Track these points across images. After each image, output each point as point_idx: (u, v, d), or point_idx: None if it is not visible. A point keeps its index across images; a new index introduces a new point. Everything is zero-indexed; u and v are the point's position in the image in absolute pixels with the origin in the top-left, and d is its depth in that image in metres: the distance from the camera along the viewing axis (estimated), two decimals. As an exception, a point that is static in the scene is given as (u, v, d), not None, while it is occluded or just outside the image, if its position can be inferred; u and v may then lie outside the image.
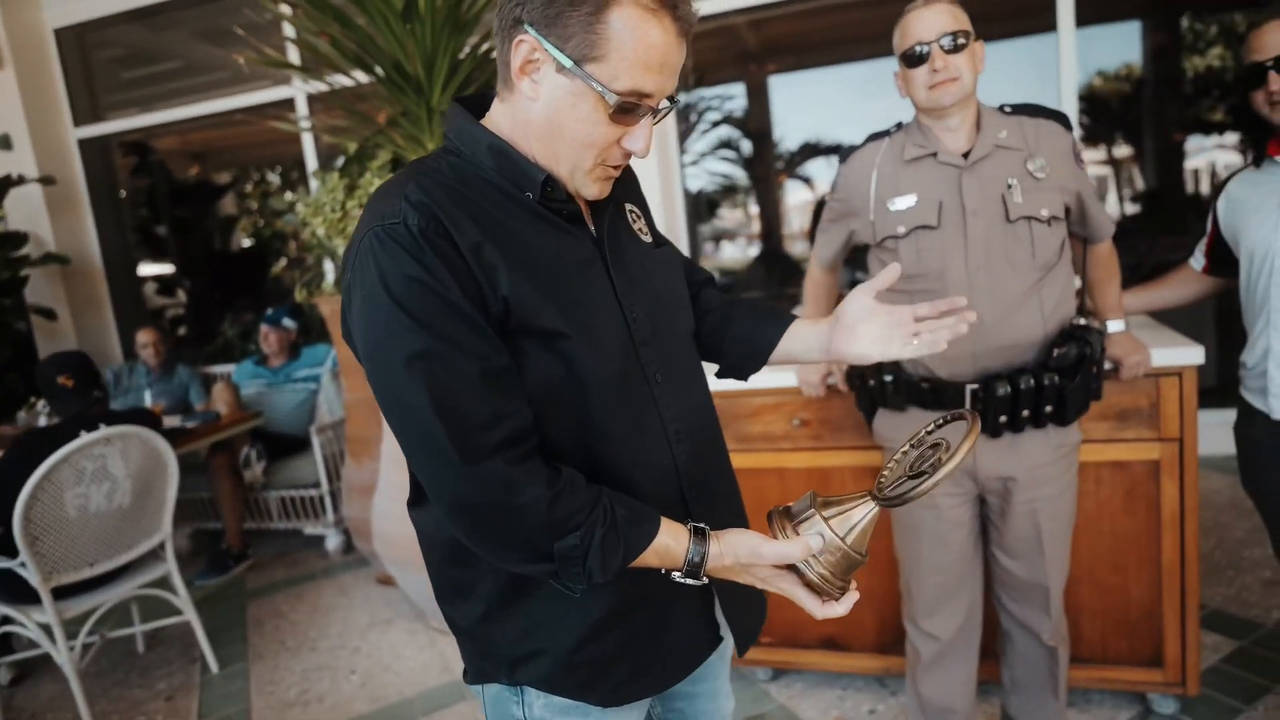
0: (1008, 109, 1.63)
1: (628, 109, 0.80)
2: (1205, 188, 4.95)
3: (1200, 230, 1.89)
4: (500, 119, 0.88)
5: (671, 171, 3.94)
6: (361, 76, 2.62)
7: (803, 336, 1.09)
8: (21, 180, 4.29)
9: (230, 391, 3.63)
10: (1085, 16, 3.95)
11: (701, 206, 5.07)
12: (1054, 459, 1.63)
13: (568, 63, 0.78)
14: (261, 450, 3.64)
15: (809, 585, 0.85)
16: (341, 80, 2.79)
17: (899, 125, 1.69)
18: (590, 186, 0.87)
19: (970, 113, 1.59)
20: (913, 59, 1.54)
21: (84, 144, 4.86)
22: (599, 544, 0.80)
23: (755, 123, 6.00)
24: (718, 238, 6.56)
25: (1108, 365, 1.84)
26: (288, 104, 4.33)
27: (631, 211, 1.02)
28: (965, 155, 1.57)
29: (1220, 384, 3.85)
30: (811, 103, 5.85)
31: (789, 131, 5.95)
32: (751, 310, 1.13)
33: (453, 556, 0.94)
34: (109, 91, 4.94)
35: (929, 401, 1.65)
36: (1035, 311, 1.57)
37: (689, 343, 1.05)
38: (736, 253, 6.46)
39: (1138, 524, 1.96)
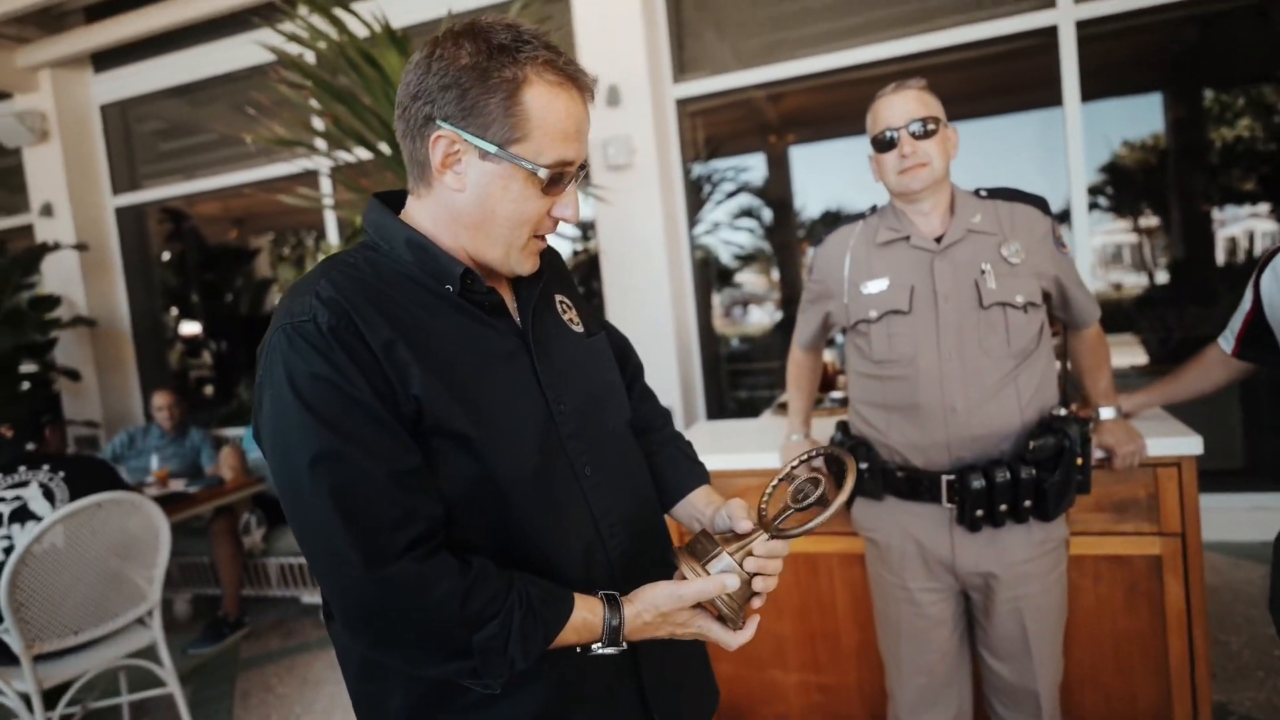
0: (983, 193, 1.61)
1: (556, 179, 0.84)
2: (1241, 257, 4.85)
3: (1231, 303, 1.73)
4: (419, 215, 0.88)
5: (679, 241, 3.97)
6: (364, 153, 2.70)
7: (696, 505, 1.07)
8: (58, 247, 4.48)
9: (236, 456, 3.67)
10: (1102, 90, 3.96)
11: (712, 275, 5.08)
12: (1037, 555, 1.55)
13: (492, 149, 0.81)
14: (262, 516, 3.64)
15: (720, 619, 0.87)
16: (357, 154, 2.89)
17: (873, 209, 1.68)
18: (525, 263, 0.89)
19: (943, 197, 1.57)
20: (882, 144, 1.54)
21: (121, 211, 5.08)
22: (518, 629, 0.79)
23: (775, 191, 6.06)
24: (745, 303, 6.59)
25: (1100, 454, 1.76)
26: (312, 176, 4.49)
27: (562, 302, 1.02)
28: (938, 240, 1.55)
29: (1249, 465, 3.69)
30: (832, 172, 5.90)
31: (810, 200, 6.00)
32: (673, 455, 1.11)
33: (363, 672, 0.91)
34: (147, 162, 5.18)
35: (905, 491, 1.60)
36: (1011, 400, 1.51)
37: (623, 432, 1.03)
38: (764, 317, 6.48)
39: (1141, 623, 1.85)
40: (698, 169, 4.62)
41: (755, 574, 0.87)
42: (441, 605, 0.76)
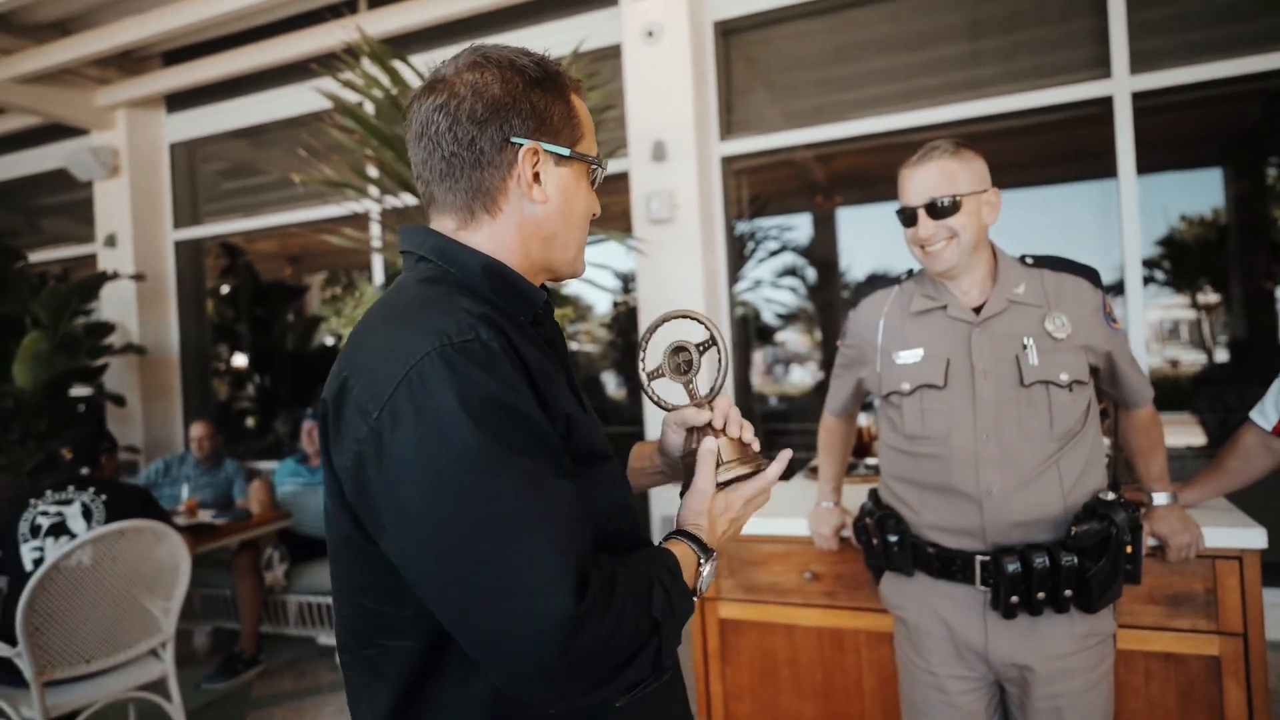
0: (1029, 260, 1.53)
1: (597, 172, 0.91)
2: (1303, 339, 4.64)
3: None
4: (479, 244, 0.84)
5: (719, 296, 3.94)
6: (409, 198, 2.74)
7: (644, 458, 1.06)
8: (116, 276, 4.64)
9: (265, 490, 3.68)
10: (1160, 162, 3.87)
11: (751, 332, 5.04)
12: (1078, 649, 1.42)
13: (567, 152, 0.85)
14: (285, 552, 3.63)
15: (746, 476, 0.91)
16: (403, 198, 2.94)
17: (909, 273, 1.62)
18: (583, 260, 0.92)
19: (981, 267, 1.49)
20: (903, 219, 1.49)
21: (179, 245, 5.26)
22: (677, 598, 0.76)
23: (821, 251, 6.03)
24: (786, 362, 6.52)
25: (1152, 542, 1.65)
26: (363, 219, 4.61)
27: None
28: (977, 310, 1.48)
29: (1320, 560, 3.45)
30: (879, 234, 5.86)
31: (855, 261, 5.96)
32: None
33: None
34: (210, 200, 5.38)
35: (935, 570, 1.50)
36: (1053, 486, 1.41)
37: None
38: (806, 377, 6.39)
39: (1198, 731, 1.70)
40: (742, 226, 4.63)
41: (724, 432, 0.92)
42: (625, 612, 0.69)
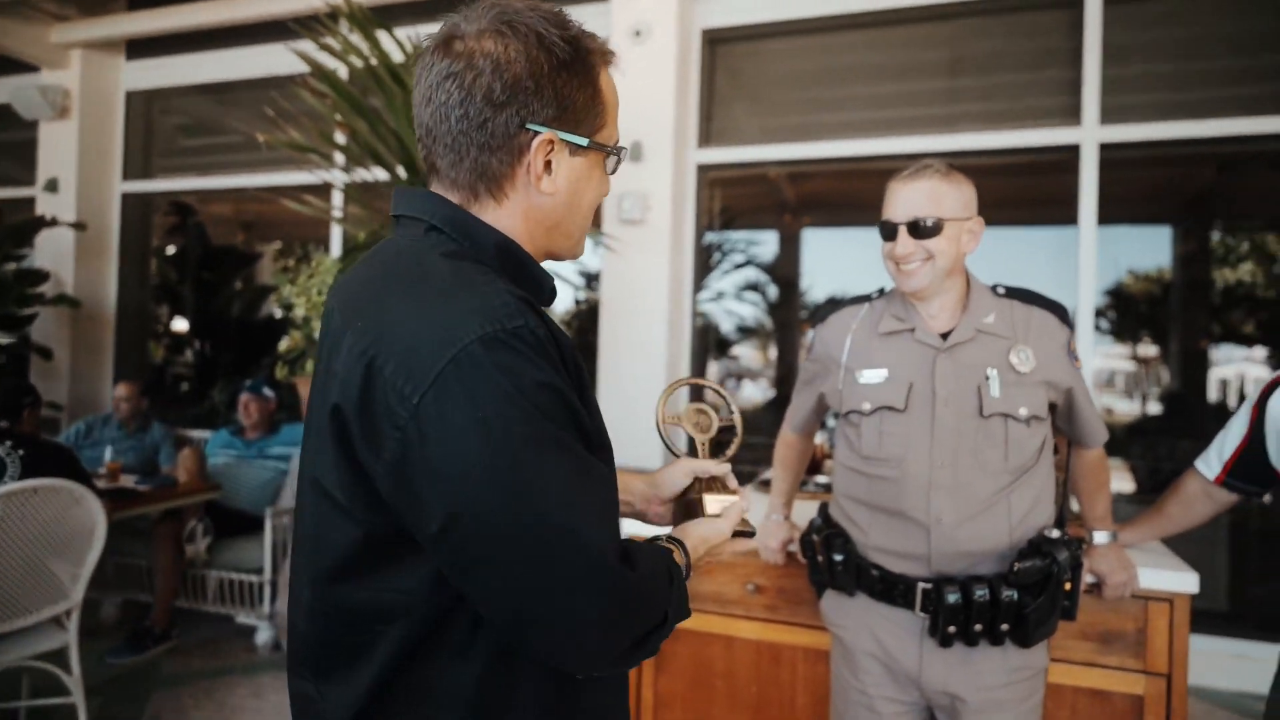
0: (1001, 290, 1.53)
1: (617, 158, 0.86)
2: (1232, 399, 4.84)
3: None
4: (491, 223, 0.81)
5: (683, 303, 3.93)
6: (380, 173, 2.66)
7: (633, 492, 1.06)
8: (55, 223, 4.41)
9: (194, 459, 3.53)
10: (1117, 215, 3.99)
11: (710, 342, 5.04)
12: (1010, 682, 1.43)
13: (584, 142, 0.80)
14: (210, 525, 3.48)
15: (739, 534, 0.98)
16: (374, 173, 2.85)
17: (880, 291, 1.61)
18: (584, 244, 0.90)
19: (954, 293, 1.49)
20: (884, 232, 1.48)
21: (127, 197, 5.03)
22: (679, 584, 0.82)
23: (784, 270, 6.08)
24: (739, 376, 6.54)
25: (1090, 579, 1.67)
26: (326, 191, 4.47)
27: None
28: (945, 336, 1.47)
29: (1234, 610, 3.58)
30: (843, 259, 5.94)
31: (817, 282, 6.02)
32: None
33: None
34: (165, 155, 5.17)
35: (877, 592, 1.49)
36: (1002, 518, 1.41)
37: None
38: (756, 393, 6.41)
39: (1118, 768, 1.72)
40: (710, 236, 4.63)
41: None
42: (655, 590, 0.76)
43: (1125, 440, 4.97)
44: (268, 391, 3.82)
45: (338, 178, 3.16)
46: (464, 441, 0.65)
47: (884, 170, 3.79)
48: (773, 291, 6.30)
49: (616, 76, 0.87)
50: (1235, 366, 5.03)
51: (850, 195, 5.40)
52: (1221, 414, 4.35)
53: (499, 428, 0.65)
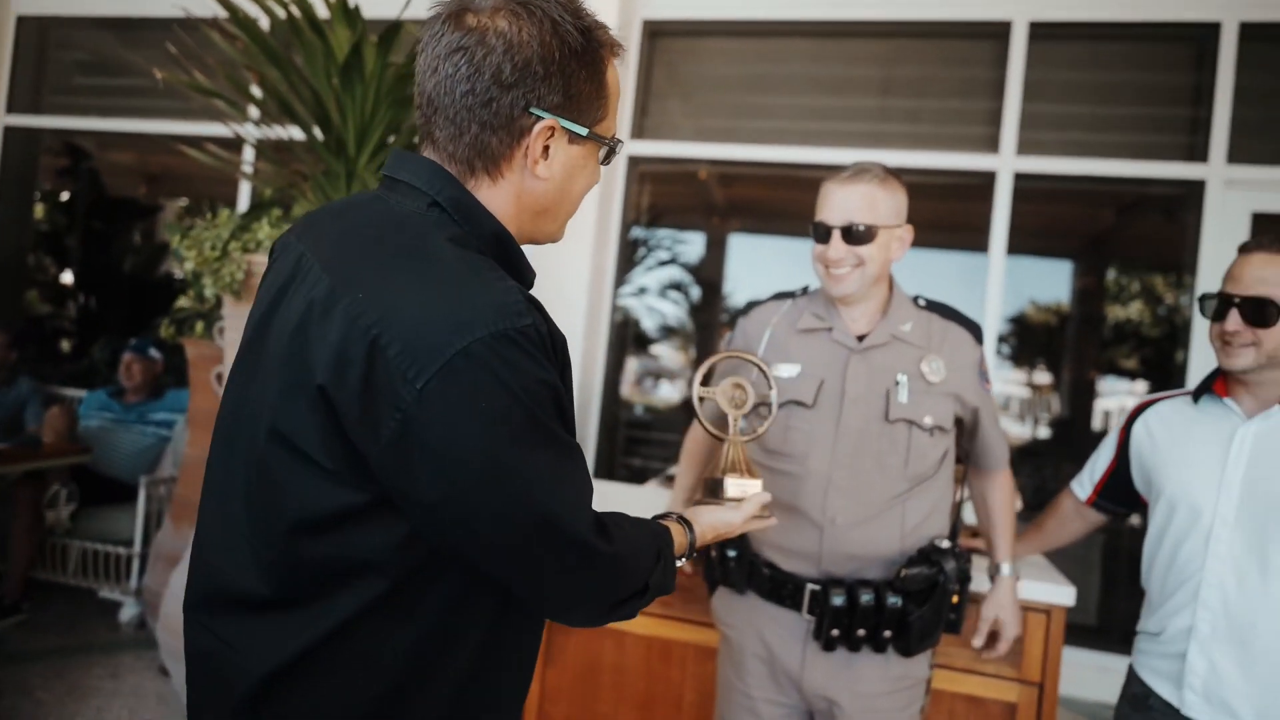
0: (922, 302, 1.55)
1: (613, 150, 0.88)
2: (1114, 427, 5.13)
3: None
4: (487, 204, 0.82)
5: (603, 297, 3.88)
6: (296, 131, 2.51)
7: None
8: (-78, 151, 4.01)
9: (64, 419, 3.26)
10: (1024, 246, 4.17)
11: (629, 338, 5.01)
12: (890, 690, 1.43)
13: (583, 132, 0.81)
14: (75, 491, 3.22)
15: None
16: (290, 131, 2.68)
17: (805, 290, 1.61)
18: (563, 231, 0.91)
19: (877, 299, 1.50)
20: (817, 234, 1.47)
21: (10, 131, 4.63)
22: (667, 557, 0.93)
23: (708, 272, 6.11)
24: (657, 375, 6.54)
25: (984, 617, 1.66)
26: (238, 145, 4.21)
27: None
28: (861, 338, 1.48)
29: (1102, 624, 3.79)
30: (767, 265, 6.00)
31: (739, 287, 6.08)
32: None
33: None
34: (59, 92, 4.77)
35: (766, 591, 1.48)
36: (895, 525, 1.42)
37: None
38: (674, 393, 6.43)
39: (987, 773, 1.77)
40: (637, 231, 4.60)
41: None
42: (637, 555, 0.86)
43: (1016, 461, 5.18)
44: (154, 352, 3.57)
45: (250, 132, 2.97)
46: (464, 430, 0.68)
47: (814, 180, 3.83)
48: (696, 293, 6.33)
49: None
50: (1119, 399, 5.35)
51: (779, 204, 5.47)
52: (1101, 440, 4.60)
53: (499, 420, 0.68)
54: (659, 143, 3.91)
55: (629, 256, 4.46)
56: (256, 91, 2.73)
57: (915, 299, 1.54)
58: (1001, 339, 4.91)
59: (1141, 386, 5.18)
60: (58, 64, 4.78)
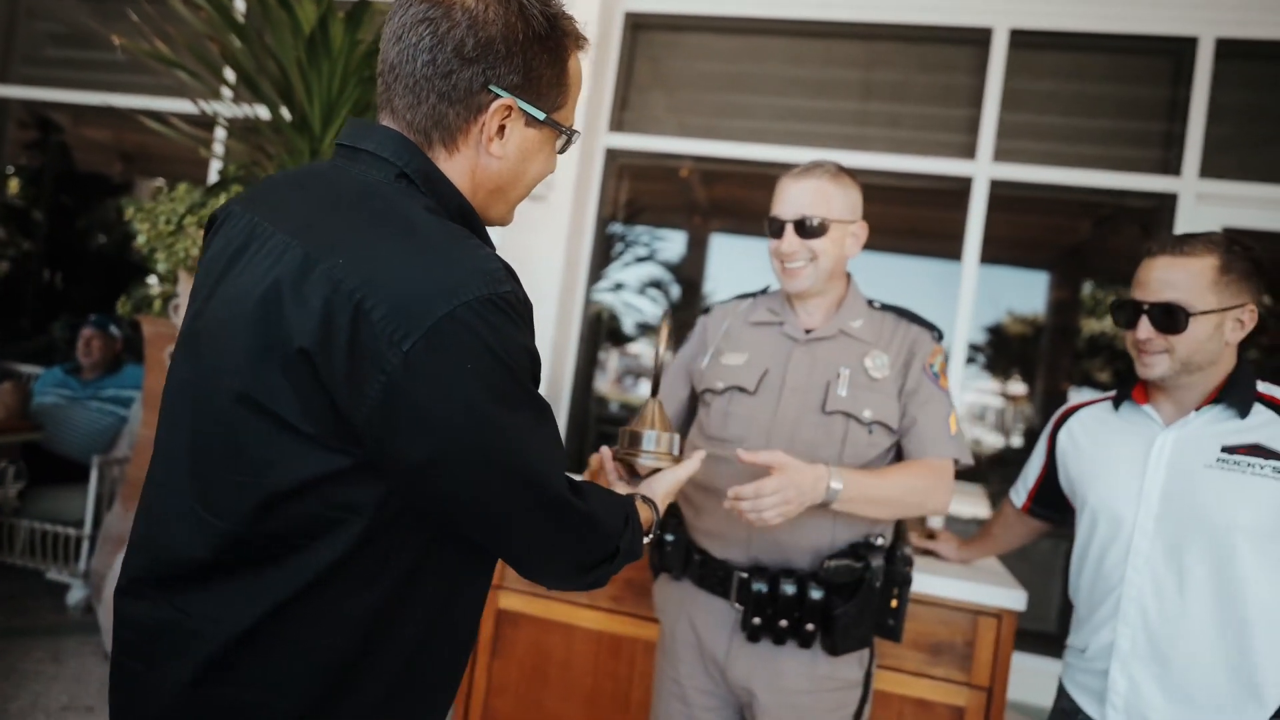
0: (878, 304, 1.54)
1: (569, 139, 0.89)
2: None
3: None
4: (449, 176, 0.84)
5: (576, 290, 3.85)
6: (262, 110, 2.45)
7: None
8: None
9: (14, 395, 3.17)
10: (1001, 256, 4.18)
11: (602, 333, 4.98)
12: (813, 690, 1.39)
13: (541, 116, 0.83)
14: (23, 469, 3.14)
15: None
16: (255, 108, 2.62)
17: (765, 290, 1.62)
18: (513, 213, 0.93)
19: (832, 295, 1.49)
20: (771, 229, 1.46)
21: (-24, 101, 4.51)
22: (636, 525, 0.96)
23: (689, 271, 6.09)
24: (637, 374, 6.51)
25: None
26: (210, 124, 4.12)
27: None
28: (810, 331, 1.48)
29: (1062, 631, 3.80)
30: (748, 266, 5.99)
31: (720, 287, 6.06)
32: None
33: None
34: (28, 63, 4.66)
35: (699, 578, 1.46)
36: (825, 517, 1.39)
37: None
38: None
39: (933, 777, 1.75)
40: (616, 227, 4.56)
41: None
42: (607, 514, 0.89)
43: (986, 469, 5.23)
44: (115, 329, 3.49)
45: (223, 109, 2.91)
46: (451, 391, 0.69)
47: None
48: (676, 291, 6.31)
49: None
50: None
51: (761, 205, 5.43)
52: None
53: (484, 382, 0.71)
54: (638, 137, 3.88)
55: (605, 251, 4.43)
56: (223, 67, 2.67)
57: (871, 301, 1.53)
58: (977, 348, 4.94)
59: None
60: (28, 34, 4.67)
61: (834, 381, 1.41)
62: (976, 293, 3.61)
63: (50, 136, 5.20)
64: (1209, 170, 3.32)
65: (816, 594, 1.35)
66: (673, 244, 6.14)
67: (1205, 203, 3.33)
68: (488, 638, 1.96)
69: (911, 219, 4.52)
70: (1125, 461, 1.38)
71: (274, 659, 0.73)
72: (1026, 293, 5.54)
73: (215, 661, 0.72)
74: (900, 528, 1.53)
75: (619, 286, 5.82)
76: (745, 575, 1.39)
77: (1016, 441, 5.43)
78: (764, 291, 1.61)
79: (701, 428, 1.51)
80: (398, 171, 0.80)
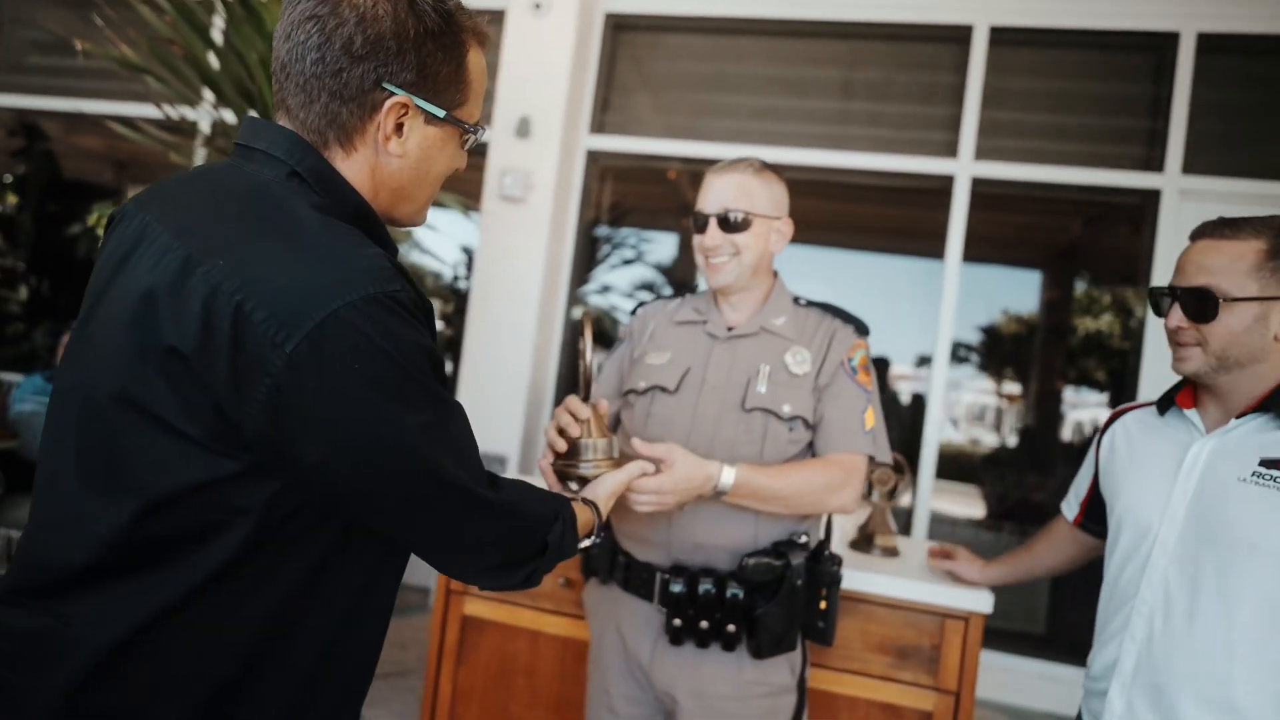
0: (804, 301, 1.51)
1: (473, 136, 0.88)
2: (1083, 439, 5.13)
3: (1067, 476, 1.58)
4: (347, 176, 0.82)
5: (558, 291, 3.83)
6: (229, 115, 2.44)
7: None
8: None
9: (-8, 402, 3.15)
10: (992, 256, 4.16)
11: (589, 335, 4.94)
12: (738, 695, 1.36)
13: (440, 114, 0.82)
14: (0, 478, 3.12)
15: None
16: (224, 114, 2.61)
17: (694, 289, 1.59)
18: (425, 213, 0.91)
19: (757, 292, 1.47)
20: (695, 224, 1.44)
21: (-40, 109, 4.51)
22: (570, 525, 0.95)
23: (681, 274, 6.07)
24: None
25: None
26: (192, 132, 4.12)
27: None
28: (732, 329, 1.46)
29: (1050, 633, 3.77)
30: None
31: (712, 290, 6.04)
32: None
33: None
34: (13, 71, 4.66)
35: (623, 580, 1.44)
36: (745, 516, 1.36)
37: None
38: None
39: (900, 783, 1.73)
40: (603, 229, 4.54)
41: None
42: (529, 509, 0.88)
43: (980, 469, 5.21)
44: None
45: (195, 114, 2.90)
46: (338, 392, 0.68)
47: (808, 193, 3.79)
48: (668, 293, 6.28)
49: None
50: (1090, 411, 5.35)
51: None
52: (1069, 452, 4.61)
53: (373, 381, 0.69)
54: (620, 138, 3.87)
55: (591, 253, 4.41)
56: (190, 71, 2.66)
57: (797, 298, 1.51)
58: (970, 348, 4.91)
59: (1108, 398, 5.20)
60: (14, 42, 4.67)
61: (754, 378, 1.38)
62: (961, 291, 3.59)
63: (35, 144, 5.20)
64: (1192, 166, 3.30)
65: (735, 592, 1.31)
66: (664, 246, 6.12)
67: (1189, 199, 3.31)
68: (453, 644, 1.93)
69: (894, 218, 4.50)
70: (1157, 469, 1.25)
71: (159, 665, 0.71)
72: (1019, 292, 5.51)
73: (95, 669, 0.70)
74: (830, 526, 1.50)
75: (606, 289, 5.81)
76: (667, 577, 1.36)
77: (1012, 441, 5.40)
78: (693, 290, 1.57)
79: (626, 430, 1.48)
80: (289, 170, 0.78)
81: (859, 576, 1.73)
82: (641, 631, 1.41)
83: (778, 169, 1.48)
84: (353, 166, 0.81)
